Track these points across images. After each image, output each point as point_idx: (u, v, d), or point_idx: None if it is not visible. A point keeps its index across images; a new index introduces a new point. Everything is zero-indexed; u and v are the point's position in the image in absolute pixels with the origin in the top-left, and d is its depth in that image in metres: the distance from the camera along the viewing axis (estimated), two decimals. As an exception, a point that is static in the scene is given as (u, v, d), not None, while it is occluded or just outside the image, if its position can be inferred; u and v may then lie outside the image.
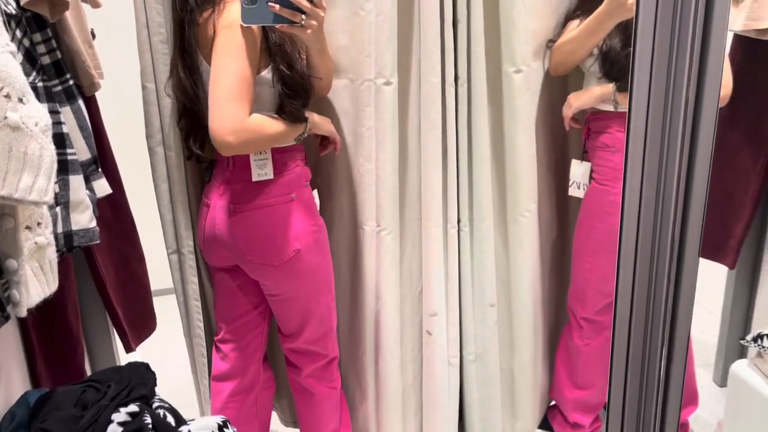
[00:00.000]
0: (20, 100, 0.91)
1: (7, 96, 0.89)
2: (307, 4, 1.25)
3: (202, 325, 1.65)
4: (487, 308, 1.74)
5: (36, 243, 1.05)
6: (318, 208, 1.54)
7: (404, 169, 1.64)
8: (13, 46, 0.91)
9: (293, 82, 1.35)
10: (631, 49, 0.69)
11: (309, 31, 1.28)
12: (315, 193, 1.56)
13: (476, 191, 1.65)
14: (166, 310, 1.95)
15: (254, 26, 1.28)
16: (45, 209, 1.07)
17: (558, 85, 1.73)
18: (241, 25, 1.26)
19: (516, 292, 1.74)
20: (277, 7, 1.23)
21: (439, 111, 1.56)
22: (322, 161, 1.65)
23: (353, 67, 1.54)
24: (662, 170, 0.73)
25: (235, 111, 1.25)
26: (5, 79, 0.89)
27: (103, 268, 1.59)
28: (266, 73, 1.35)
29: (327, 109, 1.59)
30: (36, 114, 0.93)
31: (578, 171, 1.70)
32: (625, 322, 0.80)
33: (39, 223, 1.06)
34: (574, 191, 1.72)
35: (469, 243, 1.70)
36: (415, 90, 1.58)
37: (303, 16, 1.25)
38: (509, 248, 1.72)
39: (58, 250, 1.26)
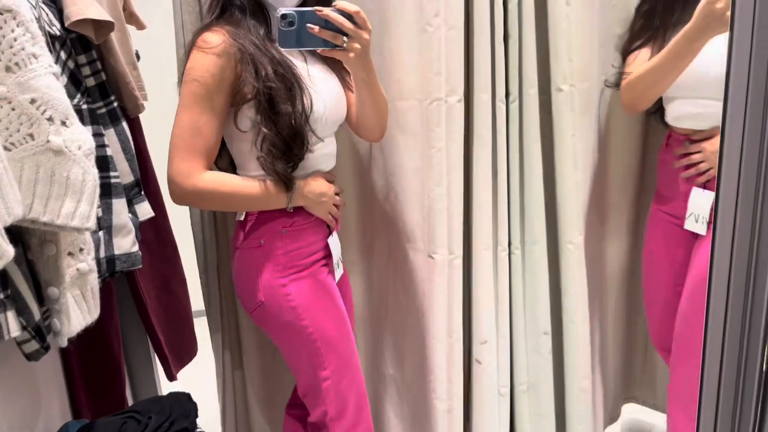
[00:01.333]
0: (63, 123, 0.88)
1: (50, 119, 0.87)
2: (350, 25, 1.14)
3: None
4: (540, 336, 1.65)
5: (78, 270, 1.02)
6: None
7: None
8: (56, 68, 0.88)
9: (274, 136, 1.19)
10: (726, 69, 0.62)
11: (352, 54, 1.17)
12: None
13: (528, 213, 1.58)
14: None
15: (224, 73, 1.17)
16: (88, 235, 1.04)
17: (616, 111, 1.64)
18: (198, 77, 1.16)
19: (569, 321, 1.64)
20: (317, 28, 1.14)
21: (489, 128, 1.49)
22: (380, 190, 1.58)
23: (422, 86, 1.45)
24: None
25: (181, 165, 1.18)
26: (48, 101, 0.86)
27: (145, 292, 1.56)
28: (245, 125, 1.22)
29: (390, 130, 1.49)
30: (79, 137, 0.90)
31: (699, 201, 1.45)
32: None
33: (81, 249, 1.03)
34: (691, 225, 1.47)
35: (521, 267, 1.62)
36: (466, 107, 1.52)
37: (345, 39, 1.15)
38: (561, 274, 1.63)
39: (100, 276, 1.23)
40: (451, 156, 1.49)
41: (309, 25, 1.13)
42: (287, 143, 1.21)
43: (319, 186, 1.30)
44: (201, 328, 1.76)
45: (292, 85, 1.21)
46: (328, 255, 1.36)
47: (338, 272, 1.40)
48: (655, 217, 1.59)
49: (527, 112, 1.51)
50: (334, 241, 1.38)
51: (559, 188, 1.55)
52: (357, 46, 1.16)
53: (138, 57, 1.51)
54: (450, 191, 1.51)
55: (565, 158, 1.52)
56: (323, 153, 1.32)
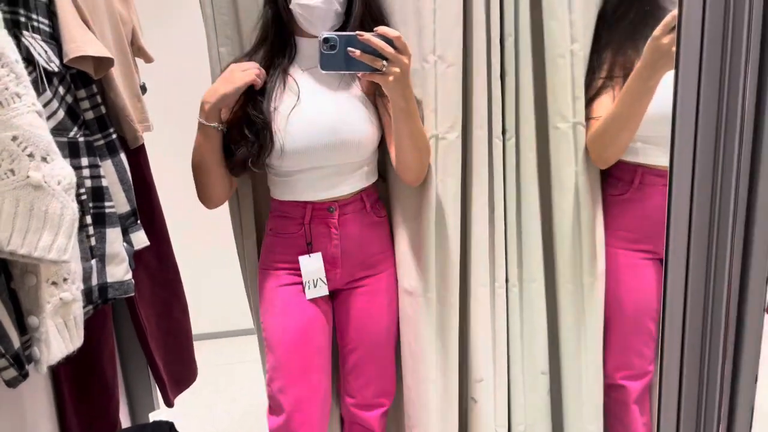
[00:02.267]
0: (44, 159, 0.91)
1: (31, 155, 0.90)
2: (390, 50, 1.18)
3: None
4: (538, 376, 1.62)
5: (61, 299, 1.04)
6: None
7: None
8: (39, 106, 0.92)
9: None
10: (672, 102, 0.60)
11: (391, 78, 1.21)
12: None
13: (526, 250, 1.56)
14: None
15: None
16: (73, 264, 1.07)
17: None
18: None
19: (566, 361, 1.60)
20: (358, 52, 1.18)
21: (486, 165, 1.49)
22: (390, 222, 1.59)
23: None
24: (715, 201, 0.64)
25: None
26: (29, 138, 0.89)
27: (145, 319, 1.59)
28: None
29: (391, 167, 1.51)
30: (59, 173, 0.93)
31: None
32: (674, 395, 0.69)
33: (65, 279, 1.05)
34: None
35: (519, 304, 1.59)
36: (463, 143, 1.51)
37: (384, 62, 1.19)
38: (559, 314, 1.59)
39: (92, 303, 1.26)
40: (447, 192, 1.48)
41: (350, 48, 1.19)
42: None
43: (217, 82, 1.36)
44: (202, 352, 1.79)
45: (255, 119, 1.34)
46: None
47: (313, 291, 1.44)
48: (620, 258, 1.52)
49: (524, 148, 1.50)
50: (306, 261, 1.43)
51: (559, 227, 1.53)
52: (396, 70, 1.20)
53: (144, 89, 1.55)
54: (446, 227, 1.50)
55: (565, 197, 1.50)
56: (314, 182, 1.40)
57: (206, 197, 1.48)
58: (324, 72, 1.24)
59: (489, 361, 1.58)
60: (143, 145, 1.50)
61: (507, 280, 1.58)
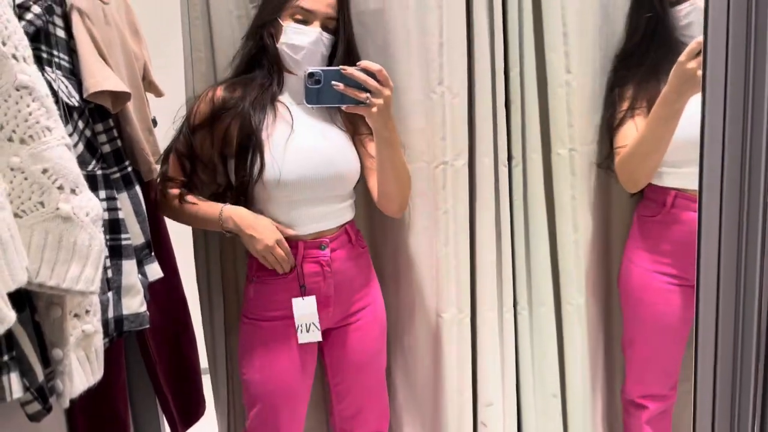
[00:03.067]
0: (73, 191, 0.93)
1: (60, 187, 0.91)
2: (373, 83, 1.23)
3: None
4: (549, 398, 1.63)
5: (83, 331, 1.04)
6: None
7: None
8: (68, 139, 0.94)
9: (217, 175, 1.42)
10: (700, 126, 0.63)
11: (374, 110, 1.25)
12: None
13: (534, 274, 1.58)
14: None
15: (204, 115, 1.35)
16: (95, 297, 1.07)
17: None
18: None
19: (570, 383, 1.62)
20: (342, 86, 1.22)
21: (492, 191, 1.52)
22: (388, 248, 1.61)
23: (429, 149, 1.51)
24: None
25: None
26: (59, 171, 0.91)
27: (155, 351, 1.58)
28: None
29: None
30: (88, 204, 0.94)
31: None
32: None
33: (87, 311, 1.06)
34: None
35: (529, 328, 1.61)
36: (470, 170, 1.55)
37: (368, 95, 1.23)
38: (564, 336, 1.61)
39: (108, 336, 1.26)
40: (457, 217, 1.51)
41: (334, 82, 1.23)
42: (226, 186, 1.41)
43: (256, 222, 1.37)
44: (210, 385, 1.78)
45: (248, 144, 1.36)
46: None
47: (306, 336, 1.40)
48: (647, 279, 1.53)
49: (531, 174, 1.54)
50: (300, 304, 1.40)
51: (560, 249, 1.56)
52: (380, 101, 1.24)
53: (155, 123, 1.57)
54: (457, 251, 1.52)
55: (564, 220, 1.53)
56: (304, 213, 1.40)
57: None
58: (309, 105, 1.29)
59: (498, 385, 1.59)
60: (153, 178, 1.52)
61: (516, 304, 1.60)
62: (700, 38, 0.61)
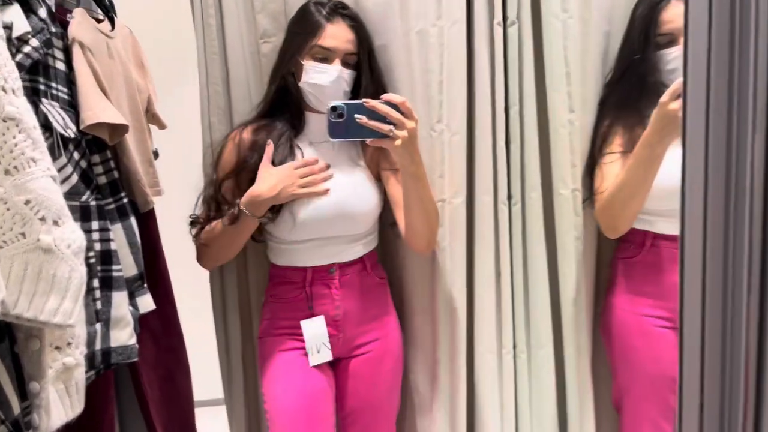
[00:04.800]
0: (55, 223, 0.92)
1: (42, 219, 0.91)
2: (396, 115, 1.21)
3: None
4: (548, 445, 1.57)
5: (64, 364, 1.03)
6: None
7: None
8: (54, 171, 0.94)
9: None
10: (681, 169, 0.61)
11: (398, 142, 1.23)
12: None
13: (533, 316, 1.54)
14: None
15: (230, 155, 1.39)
16: (78, 328, 1.06)
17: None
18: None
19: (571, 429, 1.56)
20: (365, 119, 1.21)
21: (492, 230, 1.50)
22: (395, 286, 1.58)
23: None
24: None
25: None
26: (42, 202, 0.91)
27: (147, 384, 1.56)
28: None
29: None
30: (70, 236, 0.94)
31: None
32: None
33: (69, 343, 1.04)
34: None
35: (527, 371, 1.57)
36: (469, 209, 1.53)
37: (392, 128, 1.22)
38: (565, 380, 1.56)
39: (95, 368, 1.24)
40: (454, 256, 1.49)
41: (357, 116, 1.22)
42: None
43: (268, 182, 1.35)
44: (204, 418, 1.74)
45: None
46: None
47: (317, 357, 1.41)
48: (633, 322, 1.47)
49: (530, 214, 1.52)
50: (310, 325, 1.41)
51: (562, 291, 1.52)
52: (404, 134, 1.22)
53: (156, 155, 1.59)
54: (454, 291, 1.50)
55: (567, 261, 1.50)
56: (315, 252, 1.41)
57: (214, 264, 1.54)
58: (332, 140, 1.28)
59: (497, 429, 1.54)
60: (153, 209, 1.52)
61: (515, 347, 1.56)
62: (681, 79, 0.59)
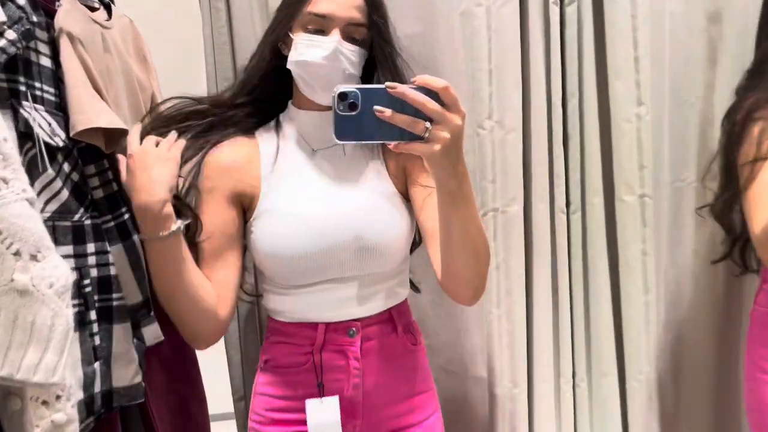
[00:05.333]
0: (33, 257, 0.75)
1: (17, 253, 0.73)
2: (435, 106, 0.79)
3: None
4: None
5: (53, 422, 0.86)
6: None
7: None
8: (31, 193, 0.76)
9: None
10: None
11: (437, 147, 0.80)
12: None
13: (595, 340, 1.35)
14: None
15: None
16: (68, 378, 0.89)
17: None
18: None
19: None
20: (389, 112, 0.80)
21: (548, 243, 1.31)
22: (436, 310, 1.37)
23: (476, 194, 1.30)
24: None
25: None
26: (16, 233, 0.73)
27: (158, 419, 1.39)
28: None
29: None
30: (52, 273, 0.76)
31: None
32: None
33: (59, 396, 0.87)
34: None
35: (588, 402, 1.37)
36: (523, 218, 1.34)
37: (428, 125, 0.80)
38: (628, 415, 1.36)
39: (94, 413, 1.07)
40: (510, 273, 1.30)
41: (377, 108, 0.81)
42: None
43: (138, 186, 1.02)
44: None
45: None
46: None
47: None
48: None
49: (591, 223, 1.33)
50: (316, 408, 1.05)
51: (624, 312, 1.32)
52: (445, 135, 0.80)
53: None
54: (511, 314, 1.31)
55: (632, 279, 1.30)
56: (326, 293, 1.07)
57: (192, 335, 1.14)
58: (340, 142, 0.88)
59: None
60: None
61: (574, 375, 1.37)
62: None
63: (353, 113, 0.82)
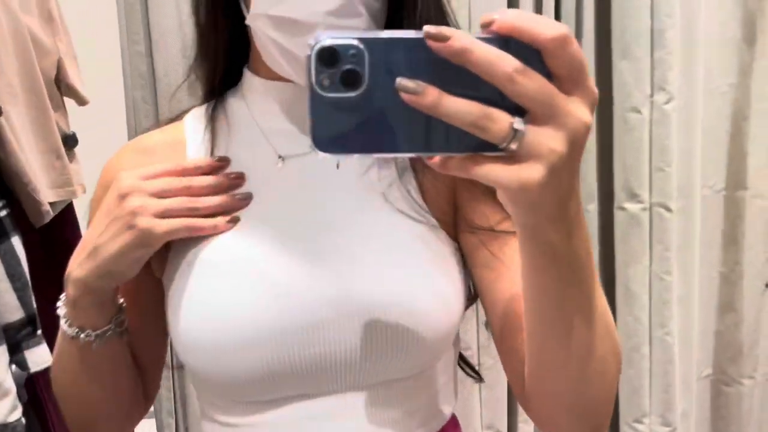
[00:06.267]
0: None
1: None
2: (537, 83, 0.35)
3: None
4: None
5: None
6: None
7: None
8: None
9: None
10: None
11: (536, 170, 0.36)
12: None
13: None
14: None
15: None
16: None
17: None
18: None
19: None
20: (433, 93, 0.36)
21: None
22: None
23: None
24: None
25: None
26: None
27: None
28: None
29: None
30: None
31: None
32: None
33: None
34: None
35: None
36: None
37: (516, 122, 0.36)
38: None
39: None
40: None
41: (403, 83, 0.36)
42: None
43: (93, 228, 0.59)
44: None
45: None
46: None
47: None
48: None
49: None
50: None
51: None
52: (552, 144, 0.36)
53: (73, 141, 1.18)
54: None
55: (638, 303, 1.10)
56: (297, 415, 0.59)
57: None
58: (322, 154, 0.38)
59: None
60: (69, 217, 1.15)
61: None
62: None
63: (352, 93, 0.37)
